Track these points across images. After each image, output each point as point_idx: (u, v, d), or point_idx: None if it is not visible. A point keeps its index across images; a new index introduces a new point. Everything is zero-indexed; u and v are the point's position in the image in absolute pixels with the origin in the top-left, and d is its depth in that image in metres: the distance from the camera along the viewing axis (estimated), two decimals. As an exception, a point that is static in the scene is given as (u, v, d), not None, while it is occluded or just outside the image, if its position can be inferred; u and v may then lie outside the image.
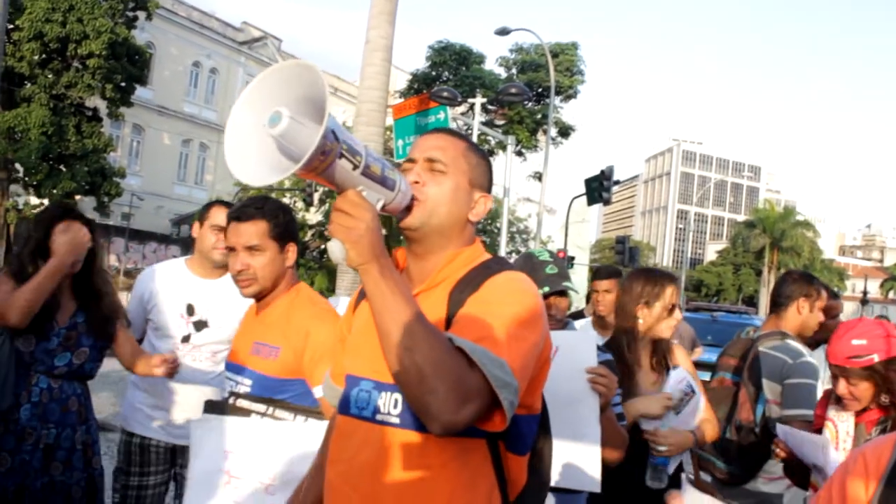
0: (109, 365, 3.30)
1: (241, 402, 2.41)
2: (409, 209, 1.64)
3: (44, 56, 25.05)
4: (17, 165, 25.01)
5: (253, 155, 1.46)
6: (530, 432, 1.69)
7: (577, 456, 2.61)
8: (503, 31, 23.44)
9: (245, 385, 2.46)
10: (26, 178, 25.13)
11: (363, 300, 1.79)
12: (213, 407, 2.46)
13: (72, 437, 3.08)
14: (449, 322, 1.59)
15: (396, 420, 1.59)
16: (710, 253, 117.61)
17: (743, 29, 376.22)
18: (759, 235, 65.08)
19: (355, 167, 1.45)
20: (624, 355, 3.05)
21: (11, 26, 24.54)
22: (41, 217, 3.16)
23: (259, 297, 2.57)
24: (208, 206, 3.51)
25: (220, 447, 2.34)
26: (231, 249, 2.54)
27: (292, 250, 2.61)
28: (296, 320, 2.50)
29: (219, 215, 3.37)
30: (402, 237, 1.72)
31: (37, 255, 3.04)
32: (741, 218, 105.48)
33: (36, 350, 3.02)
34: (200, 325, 3.37)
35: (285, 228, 2.59)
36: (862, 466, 1.35)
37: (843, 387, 2.66)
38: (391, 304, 1.44)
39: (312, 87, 1.41)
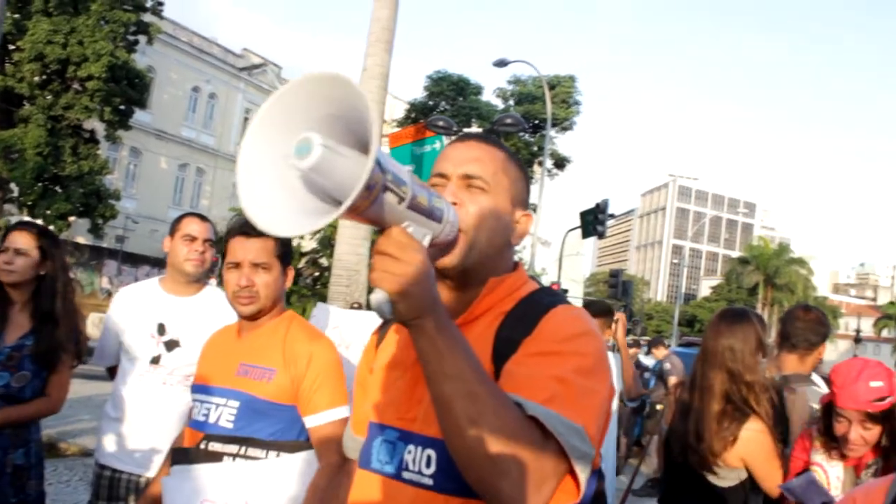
0: (93, 389, 3.22)
1: (213, 446, 2.31)
2: (454, 242, 1.39)
3: (44, 77, 25.12)
4: (13, 185, 24.99)
5: (275, 196, 1.17)
6: (589, 491, 1.41)
7: None
8: (501, 63, 23.60)
9: (231, 407, 2.34)
10: (21, 199, 25.08)
11: (385, 336, 1.62)
12: (181, 456, 2.35)
13: (2, 461, 2.95)
14: (496, 366, 1.35)
15: (429, 481, 1.35)
16: (705, 288, 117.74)
17: (741, 66, 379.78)
18: (753, 272, 65.23)
19: (401, 200, 1.17)
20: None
21: (13, 47, 24.73)
22: None
23: (254, 317, 2.47)
24: (179, 218, 3.36)
25: (194, 498, 2.24)
26: (235, 266, 2.43)
27: (291, 274, 2.56)
28: (297, 346, 2.42)
29: (190, 225, 3.26)
30: None
31: None
32: (736, 254, 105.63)
33: None
34: (172, 345, 3.19)
35: (288, 250, 2.54)
36: None
37: (856, 432, 2.57)
38: (452, 367, 1.18)
39: (345, 104, 1.14)
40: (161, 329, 3.22)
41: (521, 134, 29.65)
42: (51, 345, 3.06)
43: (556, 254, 33.35)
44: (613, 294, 23.72)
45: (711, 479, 2.94)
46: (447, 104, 31.63)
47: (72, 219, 26.61)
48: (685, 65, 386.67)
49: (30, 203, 25.02)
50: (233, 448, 2.30)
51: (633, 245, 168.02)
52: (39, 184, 24.75)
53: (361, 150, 1.13)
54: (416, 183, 1.23)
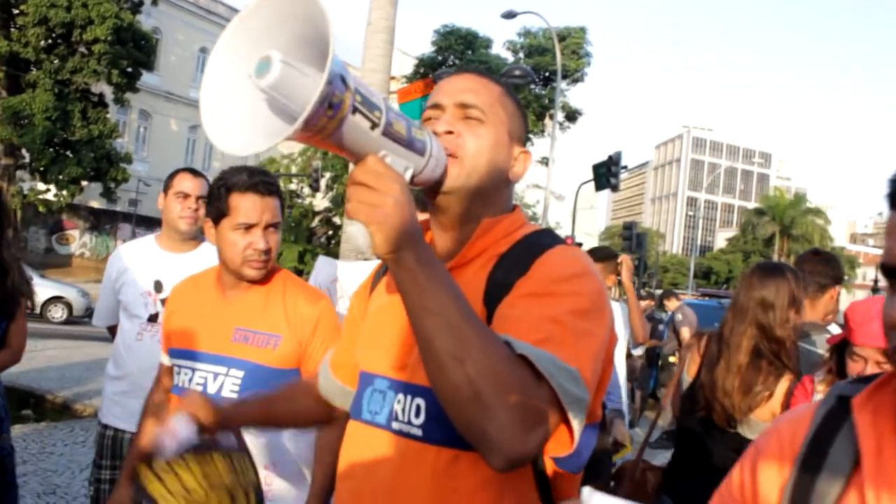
0: (108, 351, 3.17)
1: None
2: (444, 175, 1.31)
3: (49, 41, 25.01)
4: (23, 151, 25.03)
5: (237, 117, 1.13)
6: (588, 445, 1.32)
7: None
8: (510, 15, 23.22)
9: (233, 377, 2.24)
10: (32, 164, 25.15)
11: (380, 281, 1.54)
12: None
13: None
14: (489, 310, 1.28)
15: (418, 431, 1.29)
16: (720, 240, 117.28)
17: (755, 14, 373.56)
18: (769, 223, 64.86)
19: (374, 125, 1.11)
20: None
21: (17, 11, 24.59)
22: None
23: (254, 280, 2.34)
24: (172, 174, 3.29)
25: None
26: (247, 227, 2.26)
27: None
28: (301, 308, 2.32)
29: (183, 182, 3.20)
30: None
31: None
32: (751, 205, 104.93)
33: None
34: None
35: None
36: (776, 445, 1.07)
37: (872, 370, 2.51)
38: (433, 302, 1.10)
39: (309, 23, 1.07)
40: (158, 286, 3.19)
41: (532, 86, 29.33)
42: (7, 292, 3.01)
43: (569, 208, 33.25)
44: (628, 247, 23.61)
45: (741, 430, 2.90)
46: (456, 58, 31.26)
47: (84, 183, 26.68)
48: (698, 13, 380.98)
49: (41, 168, 25.08)
50: None
51: (648, 198, 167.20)
52: (50, 149, 24.78)
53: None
54: (393, 110, 1.15)
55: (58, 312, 18.37)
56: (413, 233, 1.10)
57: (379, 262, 1.58)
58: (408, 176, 1.18)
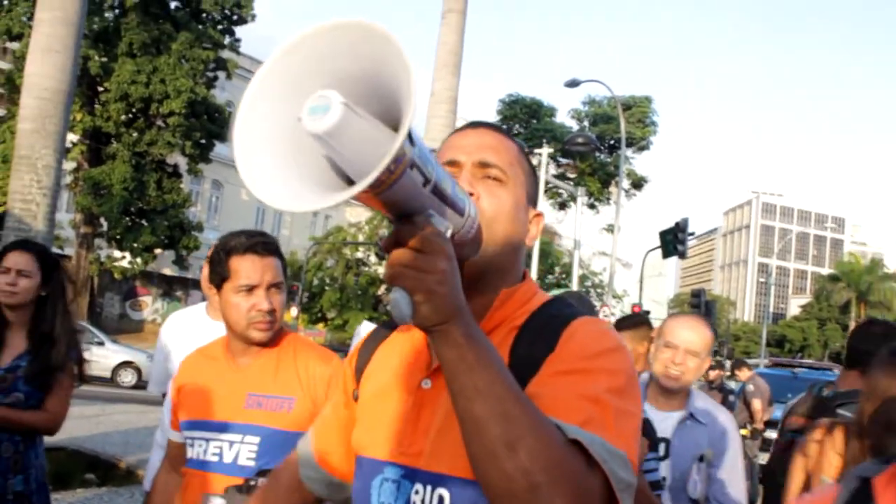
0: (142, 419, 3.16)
1: (261, 481, 2.14)
2: (473, 240, 1.19)
3: (129, 115, 26.17)
4: (101, 220, 26.00)
5: (278, 166, 0.98)
6: None
7: None
8: (573, 84, 23.38)
9: (249, 444, 2.20)
10: (109, 232, 26.07)
11: (371, 358, 1.41)
12: (238, 492, 2.18)
13: (3, 486, 2.91)
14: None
15: None
16: (793, 307, 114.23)
17: (824, 77, 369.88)
18: (844, 289, 63.12)
19: (426, 182, 0.97)
20: None
21: (101, 88, 25.87)
22: None
23: (262, 343, 2.31)
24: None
25: None
26: (248, 289, 2.23)
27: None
28: (312, 369, 2.28)
29: None
30: None
31: None
32: (825, 271, 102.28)
33: None
34: None
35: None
36: None
37: None
38: (482, 381, 0.99)
39: (373, 61, 0.93)
40: None
41: (597, 154, 29.32)
42: (46, 365, 3.02)
43: (636, 275, 32.73)
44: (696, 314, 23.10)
45: None
46: (521, 127, 31.57)
47: (157, 251, 27.49)
48: (765, 77, 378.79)
49: (117, 236, 25.97)
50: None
51: (717, 264, 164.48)
52: (126, 218, 25.69)
53: (385, 122, 0.93)
54: (440, 165, 1.02)
55: (128, 377, 18.75)
56: (462, 304, 1.00)
57: (362, 337, 1.46)
58: (448, 236, 1.04)
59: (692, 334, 2.88)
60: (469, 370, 0.99)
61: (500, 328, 1.26)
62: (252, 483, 2.19)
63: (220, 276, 2.27)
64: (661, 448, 2.82)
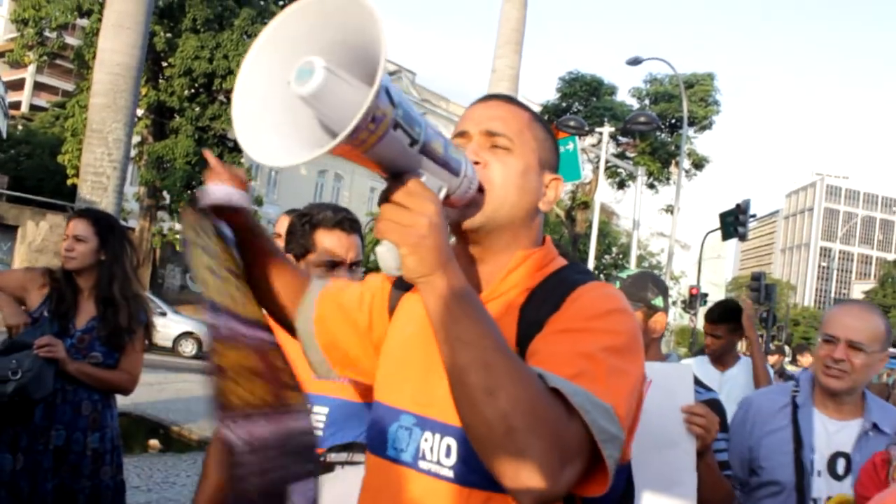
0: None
1: (331, 457, 2.16)
2: (473, 202, 1.26)
3: (192, 91, 26.58)
4: (164, 193, 26.55)
5: (273, 126, 1.07)
6: (617, 486, 1.28)
7: None
8: (635, 61, 23.04)
9: (319, 414, 2.20)
10: (171, 205, 26.61)
11: (400, 300, 1.46)
12: None
13: (82, 442, 3.06)
14: (520, 348, 1.22)
15: (449, 473, 1.23)
16: (856, 293, 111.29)
17: (891, 56, 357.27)
18: (912, 276, 61.10)
19: (413, 142, 1.05)
20: None
21: (165, 64, 26.32)
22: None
23: None
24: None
25: None
26: (331, 265, 2.24)
27: None
28: None
29: (283, 223, 3.29)
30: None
31: None
32: (891, 257, 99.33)
33: None
34: None
35: None
36: None
37: None
38: (466, 332, 1.05)
39: (354, 29, 1.00)
40: None
41: (658, 133, 28.88)
42: (115, 327, 3.17)
43: (695, 257, 32.27)
44: (756, 298, 22.71)
45: None
46: (580, 105, 31.17)
47: (218, 224, 28.00)
48: (831, 56, 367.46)
49: (179, 210, 26.47)
50: (342, 456, 2.20)
51: (778, 247, 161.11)
52: (188, 191, 26.16)
53: (371, 84, 0.98)
54: (431, 127, 1.10)
55: (188, 347, 19.21)
56: (447, 257, 1.07)
57: (389, 280, 1.50)
58: (441, 195, 1.13)
59: (856, 323, 2.41)
60: (453, 320, 1.06)
61: (513, 291, 1.31)
62: (324, 459, 2.21)
63: (303, 248, 2.27)
64: (841, 465, 2.40)
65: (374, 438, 1.38)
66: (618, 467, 1.19)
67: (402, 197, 1.06)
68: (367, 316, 1.49)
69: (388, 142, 1.01)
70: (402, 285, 1.47)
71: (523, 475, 1.02)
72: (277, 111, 1.08)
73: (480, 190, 1.27)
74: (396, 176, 1.08)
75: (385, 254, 1.07)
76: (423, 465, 1.26)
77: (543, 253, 1.36)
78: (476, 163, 1.28)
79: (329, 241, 2.24)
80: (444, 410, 1.22)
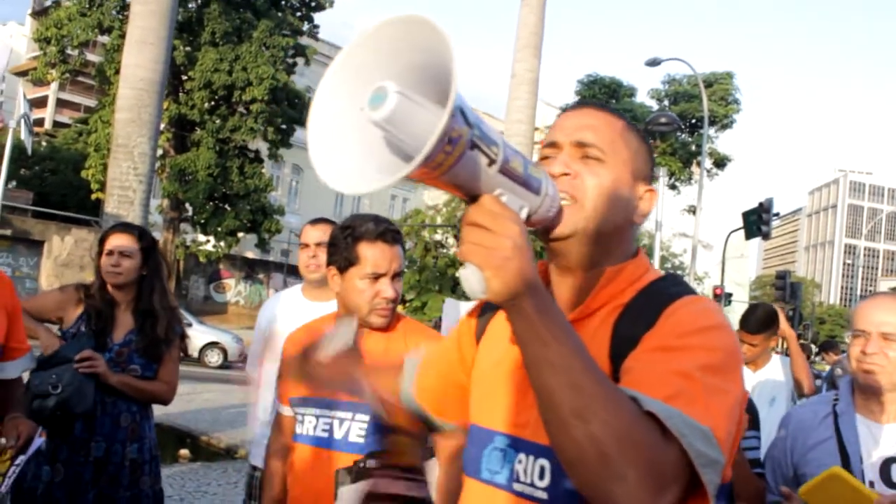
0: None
1: (370, 463, 2.18)
2: (556, 219, 1.23)
3: (212, 103, 26.83)
4: (187, 205, 26.80)
5: (348, 154, 1.06)
6: None
7: None
8: (654, 62, 22.96)
9: (359, 421, 2.25)
10: (194, 217, 26.85)
11: (488, 325, 1.45)
12: (349, 475, 2.20)
13: (121, 453, 3.10)
14: (614, 365, 1.19)
15: (543, 494, 1.21)
16: (883, 290, 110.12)
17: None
18: (940, 271, 60.41)
19: (491, 162, 1.03)
20: None
21: (185, 77, 26.59)
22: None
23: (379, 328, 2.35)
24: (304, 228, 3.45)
25: None
26: (375, 277, 2.27)
27: None
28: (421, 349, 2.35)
29: (309, 233, 3.31)
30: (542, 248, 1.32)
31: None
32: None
33: None
34: None
35: None
36: None
37: None
38: (555, 355, 1.02)
39: (426, 51, 1.00)
40: None
41: (678, 134, 28.76)
42: (154, 339, 3.21)
43: (718, 257, 32.04)
44: (781, 297, 22.55)
45: None
46: (599, 108, 31.16)
47: (240, 234, 28.19)
48: (853, 51, 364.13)
49: (202, 221, 26.70)
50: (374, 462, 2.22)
51: (802, 245, 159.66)
52: (210, 203, 26.40)
53: (444, 105, 0.97)
54: (509, 147, 1.08)
55: (214, 357, 19.31)
56: (532, 278, 1.03)
57: (451, 314, 1.53)
58: (523, 215, 1.10)
59: (886, 314, 2.24)
60: (541, 343, 1.03)
61: (607, 306, 1.27)
62: (362, 465, 2.21)
63: (346, 261, 2.29)
64: (895, 470, 2.20)
65: (470, 461, 1.37)
66: (719, 488, 1.16)
67: (484, 219, 1.02)
68: (463, 365, 1.50)
69: (466, 163, 0.99)
70: (488, 308, 1.47)
71: (618, 501, 0.99)
72: (351, 138, 1.07)
73: (572, 200, 1.24)
74: (475, 198, 1.05)
75: (470, 277, 1.04)
76: (517, 486, 1.25)
77: (635, 265, 1.32)
78: (566, 174, 1.25)
79: (372, 253, 2.26)
80: (537, 431, 1.18)
